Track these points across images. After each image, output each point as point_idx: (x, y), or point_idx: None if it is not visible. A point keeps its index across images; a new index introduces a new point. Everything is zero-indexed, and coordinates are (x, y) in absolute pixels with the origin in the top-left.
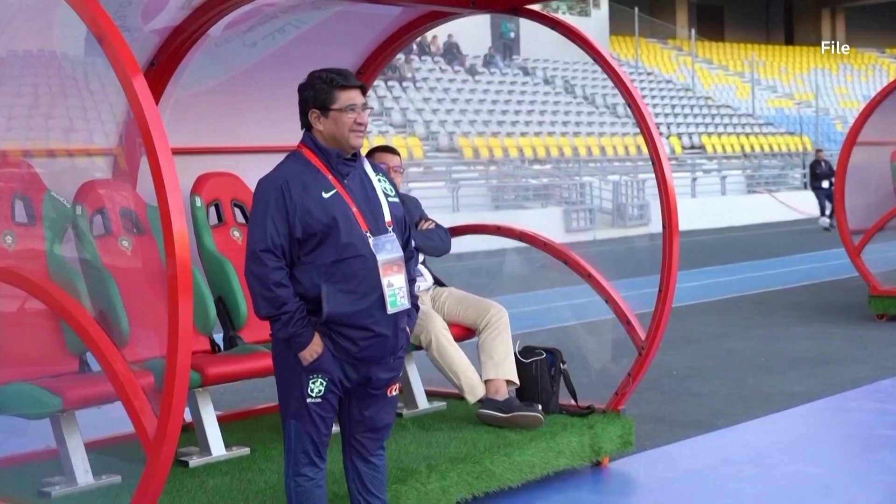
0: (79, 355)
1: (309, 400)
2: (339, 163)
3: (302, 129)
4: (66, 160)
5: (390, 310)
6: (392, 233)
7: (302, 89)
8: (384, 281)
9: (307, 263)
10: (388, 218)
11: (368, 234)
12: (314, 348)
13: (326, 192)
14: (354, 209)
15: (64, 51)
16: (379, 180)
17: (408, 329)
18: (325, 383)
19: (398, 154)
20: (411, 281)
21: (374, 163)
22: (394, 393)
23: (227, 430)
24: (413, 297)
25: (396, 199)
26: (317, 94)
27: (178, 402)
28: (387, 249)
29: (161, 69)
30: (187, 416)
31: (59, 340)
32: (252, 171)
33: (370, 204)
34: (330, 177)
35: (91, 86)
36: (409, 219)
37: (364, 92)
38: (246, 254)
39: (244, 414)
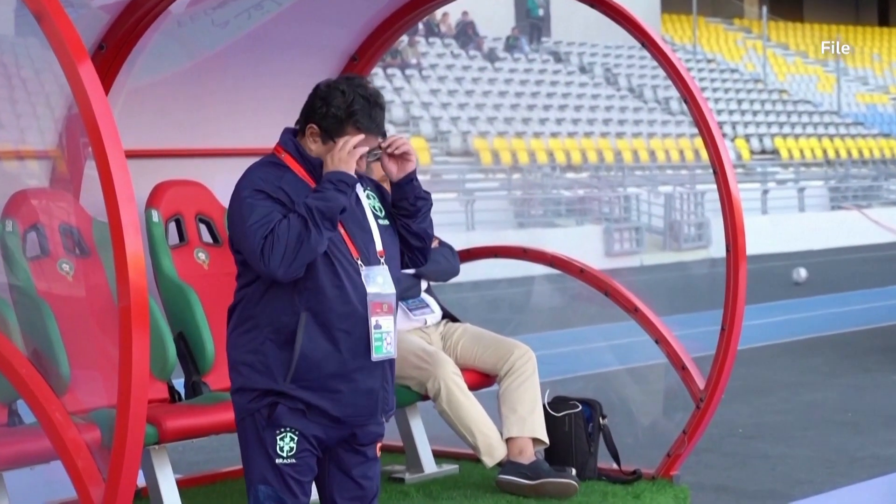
0: (7, 404)
1: (279, 461)
2: (318, 176)
3: (297, 127)
4: None
5: (375, 356)
6: (384, 265)
7: (323, 95)
8: (371, 321)
9: (286, 285)
10: (379, 246)
11: (360, 263)
12: (348, 156)
13: None
14: (343, 231)
15: None
16: (368, 197)
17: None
18: (295, 438)
19: None
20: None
21: (359, 173)
22: (378, 454)
23: (189, 496)
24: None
25: (388, 222)
26: (328, 112)
27: (131, 462)
28: (378, 283)
29: (111, 54)
30: (140, 481)
31: None
32: (222, 180)
33: (360, 228)
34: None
35: (23, 73)
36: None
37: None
38: (252, 258)
39: (209, 478)
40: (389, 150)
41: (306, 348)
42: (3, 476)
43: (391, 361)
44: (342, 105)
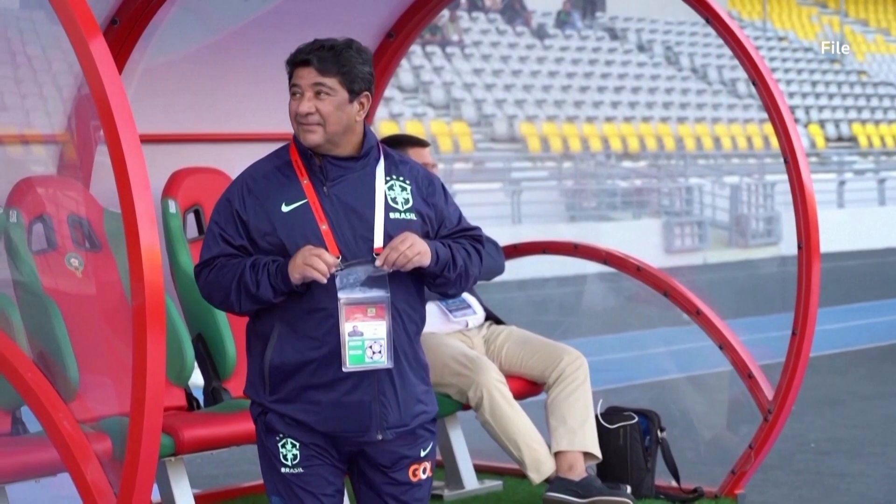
0: (11, 411)
1: (285, 469)
2: (321, 162)
3: None
4: None
5: (347, 367)
6: (381, 266)
7: None
8: (344, 327)
9: None
10: (378, 243)
11: (338, 263)
12: (303, 259)
13: (288, 205)
14: (324, 227)
15: None
16: (390, 187)
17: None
18: (297, 445)
19: (427, 146)
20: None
21: (402, 160)
22: (421, 477)
23: None
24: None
25: (408, 216)
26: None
27: (145, 475)
28: (360, 286)
29: (125, 29)
30: (155, 495)
31: None
32: (244, 167)
33: (356, 221)
34: (305, 181)
35: (28, 49)
36: (447, 225)
37: (322, 70)
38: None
39: (229, 493)
40: (389, 270)
41: (275, 360)
42: (6, 489)
43: (397, 370)
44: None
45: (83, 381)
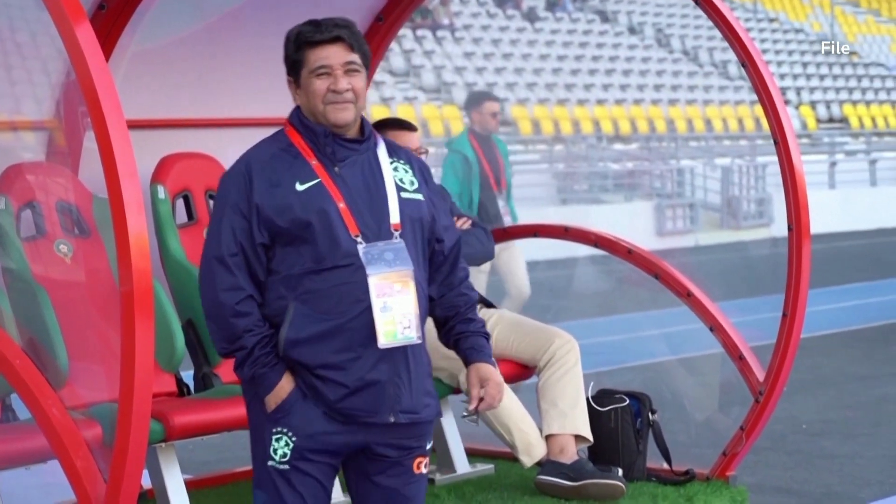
0: (1, 398)
1: (271, 463)
2: (330, 144)
3: None
4: None
5: (382, 342)
6: (399, 239)
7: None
8: (376, 303)
9: (274, 273)
10: (394, 219)
11: (359, 240)
12: (281, 394)
13: (302, 184)
14: (342, 205)
15: None
16: (395, 168)
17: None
18: (291, 443)
19: (415, 130)
20: (467, 301)
21: (396, 145)
22: (422, 470)
23: (199, 498)
24: (479, 324)
25: (417, 196)
26: (287, 56)
27: (134, 461)
28: (385, 260)
29: (112, 14)
30: (145, 481)
31: None
32: (235, 153)
33: (370, 199)
34: (314, 162)
35: (17, 37)
36: (440, 219)
37: (352, 46)
38: (200, 262)
39: (220, 479)
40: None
41: (290, 337)
42: None
43: (412, 351)
44: (290, 40)
45: (73, 368)
